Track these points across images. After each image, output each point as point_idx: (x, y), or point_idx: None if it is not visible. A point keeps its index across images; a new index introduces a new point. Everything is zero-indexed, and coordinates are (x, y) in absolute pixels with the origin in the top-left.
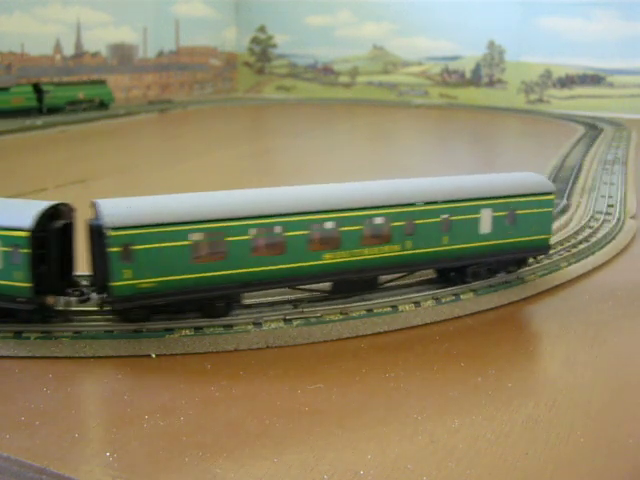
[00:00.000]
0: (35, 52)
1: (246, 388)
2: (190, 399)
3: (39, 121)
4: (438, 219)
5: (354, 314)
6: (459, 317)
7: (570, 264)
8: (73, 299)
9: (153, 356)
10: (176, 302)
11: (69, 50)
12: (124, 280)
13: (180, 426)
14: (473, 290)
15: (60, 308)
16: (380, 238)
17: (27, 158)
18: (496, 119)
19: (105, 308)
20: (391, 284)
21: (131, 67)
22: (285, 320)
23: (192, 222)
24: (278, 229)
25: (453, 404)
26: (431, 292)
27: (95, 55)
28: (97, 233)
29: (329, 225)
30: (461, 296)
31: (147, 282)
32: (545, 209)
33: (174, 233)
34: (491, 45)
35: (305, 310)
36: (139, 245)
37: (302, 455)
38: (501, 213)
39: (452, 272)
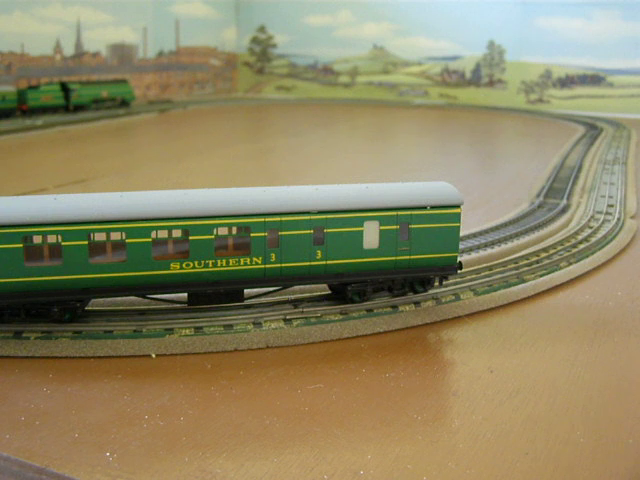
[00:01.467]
0: (35, 52)
1: (246, 388)
2: (190, 399)
3: (39, 121)
4: (309, 231)
5: (354, 314)
6: (459, 317)
7: (570, 264)
8: None
9: (153, 356)
10: (6, 305)
11: (69, 50)
12: None
13: (180, 426)
14: (473, 290)
15: None
16: (239, 249)
17: (27, 158)
18: (496, 119)
19: None
20: (262, 300)
21: (131, 67)
22: (285, 320)
23: (26, 225)
24: (118, 235)
25: (453, 404)
26: (431, 292)
27: (95, 55)
28: None
29: (175, 233)
30: (461, 296)
31: None
32: (450, 224)
33: (5, 235)
34: (491, 45)
35: (305, 310)
36: None
37: (302, 455)
38: (391, 227)
39: (333, 289)
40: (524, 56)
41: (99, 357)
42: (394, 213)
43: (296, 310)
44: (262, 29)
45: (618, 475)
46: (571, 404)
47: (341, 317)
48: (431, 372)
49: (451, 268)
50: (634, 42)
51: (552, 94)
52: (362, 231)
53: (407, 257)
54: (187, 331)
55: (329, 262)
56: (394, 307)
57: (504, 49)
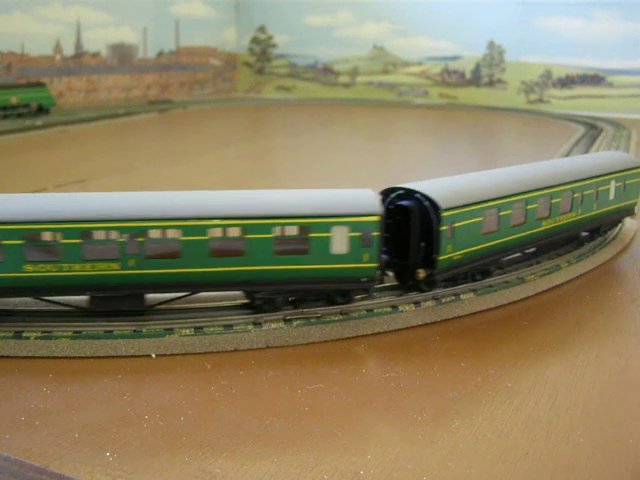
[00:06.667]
0: (35, 52)
1: (246, 388)
2: (190, 399)
3: (39, 121)
4: (593, 190)
5: (354, 314)
6: (459, 317)
7: (570, 264)
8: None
9: (153, 356)
10: (470, 270)
11: (69, 50)
12: (447, 254)
13: (180, 426)
14: (473, 290)
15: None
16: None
17: (27, 158)
18: (496, 119)
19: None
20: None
21: (131, 67)
22: (285, 320)
23: (502, 197)
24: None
25: (453, 404)
26: (431, 292)
27: (95, 55)
28: (422, 214)
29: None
30: (461, 296)
31: (458, 254)
32: (638, 179)
33: (478, 211)
34: (491, 45)
35: (305, 310)
36: (458, 222)
37: (302, 455)
38: (619, 184)
39: (589, 232)
40: (524, 56)
41: (99, 357)
42: (621, 174)
43: (296, 310)
44: (262, 29)
45: (618, 475)
46: (571, 404)
47: (341, 317)
48: (431, 372)
49: (633, 210)
50: (634, 42)
51: (552, 94)
52: (609, 188)
53: (622, 204)
54: (187, 331)
55: (599, 211)
56: (394, 307)
57: (504, 49)
